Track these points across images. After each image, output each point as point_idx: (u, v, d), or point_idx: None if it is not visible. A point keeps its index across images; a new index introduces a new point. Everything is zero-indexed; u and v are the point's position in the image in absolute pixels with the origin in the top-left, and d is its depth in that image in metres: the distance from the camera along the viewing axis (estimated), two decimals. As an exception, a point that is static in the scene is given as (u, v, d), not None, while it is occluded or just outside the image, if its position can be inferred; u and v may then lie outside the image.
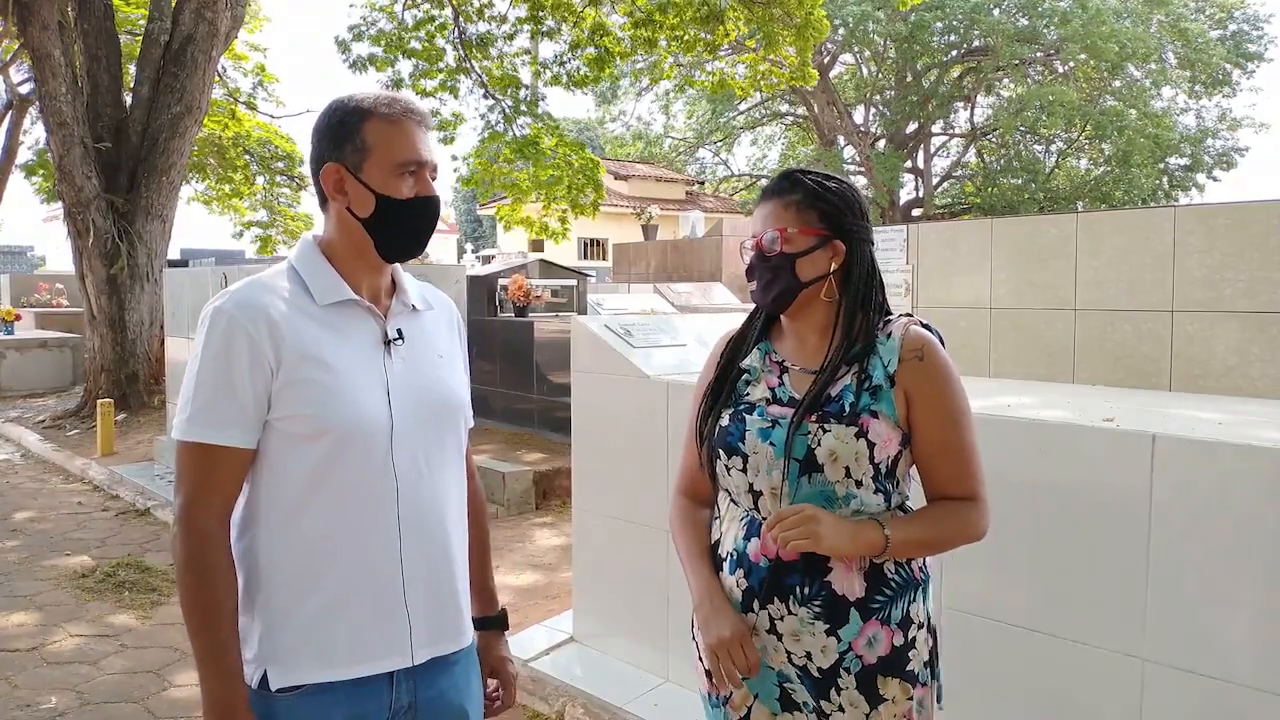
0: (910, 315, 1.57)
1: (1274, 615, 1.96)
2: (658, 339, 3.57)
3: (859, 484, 1.47)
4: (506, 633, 1.73)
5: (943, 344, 1.54)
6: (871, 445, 1.46)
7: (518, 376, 8.08)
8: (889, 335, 1.52)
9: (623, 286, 13.91)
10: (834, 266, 1.53)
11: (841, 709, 1.49)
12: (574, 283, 9.89)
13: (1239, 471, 2.00)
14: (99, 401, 8.71)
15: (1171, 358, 3.68)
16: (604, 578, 3.52)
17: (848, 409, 1.47)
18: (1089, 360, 3.91)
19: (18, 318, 13.73)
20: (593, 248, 29.54)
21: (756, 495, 1.52)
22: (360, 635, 1.41)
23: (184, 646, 3.96)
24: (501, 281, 8.94)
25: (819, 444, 1.46)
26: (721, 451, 1.56)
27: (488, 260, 18.70)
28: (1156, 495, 2.11)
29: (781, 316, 1.61)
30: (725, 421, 1.56)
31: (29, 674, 3.72)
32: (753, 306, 1.66)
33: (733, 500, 1.58)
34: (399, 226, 1.43)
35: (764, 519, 1.51)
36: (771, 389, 1.56)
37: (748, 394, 1.57)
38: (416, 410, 1.45)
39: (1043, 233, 4.13)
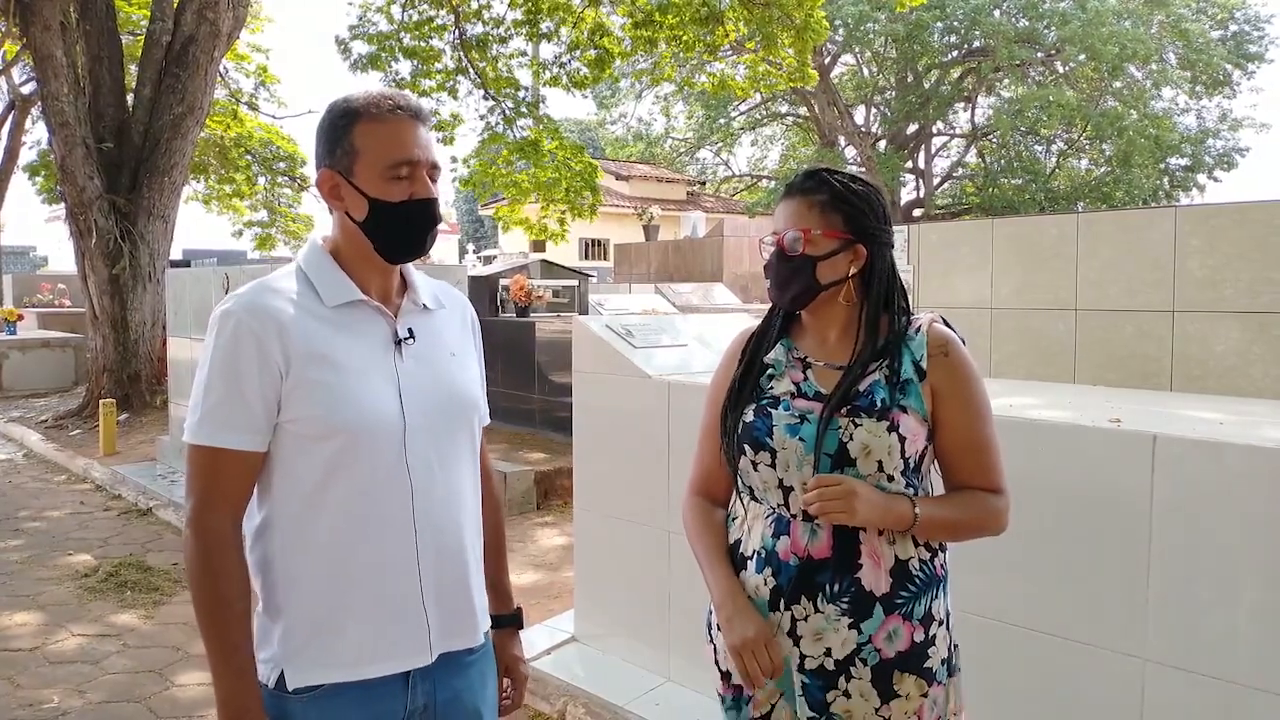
0: (932, 314, 1.58)
1: (1275, 615, 1.97)
2: (659, 339, 3.57)
3: (890, 478, 1.48)
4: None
5: (963, 342, 1.56)
6: (902, 440, 1.47)
7: (519, 377, 8.09)
8: (915, 332, 1.54)
9: (624, 287, 13.96)
10: (854, 270, 1.53)
11: (847, 695, 1.48)
12: (575, 283, 9.91)
13: (1240, 471, 2.00)
14: (101, 401, 8.72)
15: (1172, 358, 3.69)
16: (605, 578, 3.53)
17: (879, 404, 1.48)
18: (1090, 360, 3.91)
19: (20, 318, 13.75)
20: (594, 248, 29.55)
21: (787, 491, 1.52)
22: (376, 635, 1.41)
23: (186, 646, 3.97)
24: (503, 282, 8.96)
25: (851, 438, 1.47)
26: (748, 447, 1.55)
27: (489, 260, 18.70)
28: (1157, 495, 2.11)
29: (801, 313, 1.61)
30: (750, 417, 1.55)
31: (31, 673, 3.73)
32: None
33: (754, 498, 1.57)
34: (394, 230, 1.41)
35: (794, 516, 1.51)
36: (796, 384, 1.56)
37: (771, 389, 1.57)
38: (429, 409, 1.44)
39: (1043, 233, 4.13)
